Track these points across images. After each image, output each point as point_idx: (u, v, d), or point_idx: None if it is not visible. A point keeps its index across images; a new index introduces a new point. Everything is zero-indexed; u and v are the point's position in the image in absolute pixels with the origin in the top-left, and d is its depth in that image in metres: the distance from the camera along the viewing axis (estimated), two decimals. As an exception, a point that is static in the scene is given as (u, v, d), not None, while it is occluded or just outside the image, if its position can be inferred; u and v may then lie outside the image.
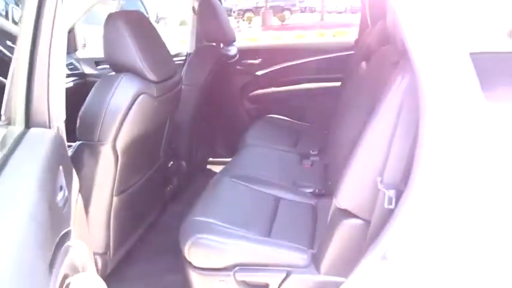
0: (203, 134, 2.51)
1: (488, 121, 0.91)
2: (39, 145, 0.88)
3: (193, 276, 1.32)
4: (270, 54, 2.85)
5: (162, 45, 1.66)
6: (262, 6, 17.88)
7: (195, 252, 1.30)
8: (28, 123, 0.96)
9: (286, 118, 2.56)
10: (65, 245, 0.80)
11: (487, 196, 0.96)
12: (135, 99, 1.39)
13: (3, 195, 0.52)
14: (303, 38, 10.54)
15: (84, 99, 1.40)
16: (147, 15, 2.43)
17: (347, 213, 1.17)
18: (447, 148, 0.93)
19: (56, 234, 0.76)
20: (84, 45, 2.99)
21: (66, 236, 0.82)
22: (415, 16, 0.89)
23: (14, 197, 0.65)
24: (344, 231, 1.18)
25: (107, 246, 1.50)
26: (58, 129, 1.03)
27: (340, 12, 18.61)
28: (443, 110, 0.90)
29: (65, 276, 0.81)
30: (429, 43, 0.89)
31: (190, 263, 1.31)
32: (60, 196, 0.86)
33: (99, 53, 2.84)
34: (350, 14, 16.88)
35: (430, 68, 0.90)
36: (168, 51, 1.71)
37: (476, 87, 0.90)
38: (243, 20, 17.25)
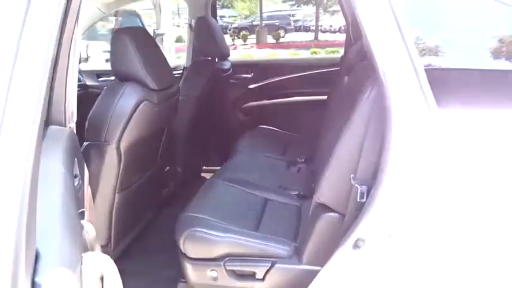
0: (198, 143, 2.64)
1: (439, 123, 1.06)
2: (59, 139, 1.02)
3: (187, 266, 1.43)
4: (262, 69, 3.02)
5: (162, 57, 1.82)
6: (258, 25, 18.17)
7: (189, 244, 1.41)
8: (47, 122, 1.11)
9: (276, 129, 2.70)
10: (80, 222, 0.94)
11: (444, 189, 1.09)
12: (138, 105, 1.55)
13: (44, 172, 0.67)
14: (296, 55, 10.78)
15: (86, 109, 1.54)
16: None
17: (325, 208, 1.30)
18: (407, 148, 1.06)
19: (76, 209, 0.90)
20: (87, 59, 3.14)
21: (81, 215, 0.96)
22: (382, 40, 1.04)
23: (51, 174, 0.81)
24: (323, 224, 1.30)
25: (108, 239, 1.63)
26: (71, 128, 1.18)
27: (334, 32, 18.89)
28: (403, 116, 1.04)
29: (78, 251, 0.94)
30: (393, 61, 1.04)
31: (184, 254, 1.43)
32: (76, 182, 1.00)
33: (100, 66, 3.00)
34: (344, 33, 17.00)
35: (394, 81, 1.04)
36: (168, 63, 1.87)
37: (430, 96, 1.05)
38: (239, 37, 17.51)
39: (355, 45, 1.93)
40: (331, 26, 19.76)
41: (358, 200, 1.18)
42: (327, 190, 1.30)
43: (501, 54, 1.23)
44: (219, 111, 2.85)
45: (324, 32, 19.23)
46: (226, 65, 2.77)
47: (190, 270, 1.44)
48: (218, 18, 3.27)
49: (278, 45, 16.24)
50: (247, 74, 2.97)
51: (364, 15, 1.04)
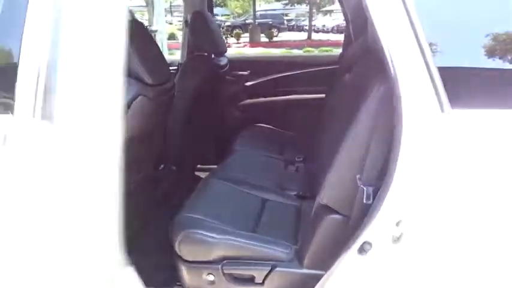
0: (193, 140, 2.58)
1: (452, 125, 1.01)
2: None
3: (183, 269, 1.39)
4: (259, 66, 2.96)
5: (158, 51, 1.76)
6: (251, 23, 18.14)
7: (185, 246, 1.36)
8: None
9: (273, 127, 2.65)
10: None
11: (456, 192, 1.05)
12: (133, 100, 1.48)
13: None
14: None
15: None
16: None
17: (328, 209, 1.25)
18: (418, 150, 1.01)
19: None
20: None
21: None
22: (394, 35, 1.00)
23: None
24: (325, 227, 1.25)
25: None
26: None
27: (327, 32, 18.99)
28: (414, 116, 0.99)
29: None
30: (405, 58, 1.00)
31: (180, 257, 1.38)
32: None
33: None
34: (337, 33, 17.09)
35: (405, 79, 0.99)
36: (164, 58, 1.81)
37: (443, 96, 1.01)
38: (232, 36, 17.46)
39: (356, 43, 1.89)
40: (324, 25, 19.87)
41: (365, 201, 1.13)
42: (330, 191, 1.25)
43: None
44: (214, 109, 2.78)
45: (317, 31, 19.31)
46: (223, 61, 2.71)
47: (185, 273, 1.39)
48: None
49: (271, 44, 16.23)
50: (244, 71, 2.91)
51: (375, 10, 1.00)
